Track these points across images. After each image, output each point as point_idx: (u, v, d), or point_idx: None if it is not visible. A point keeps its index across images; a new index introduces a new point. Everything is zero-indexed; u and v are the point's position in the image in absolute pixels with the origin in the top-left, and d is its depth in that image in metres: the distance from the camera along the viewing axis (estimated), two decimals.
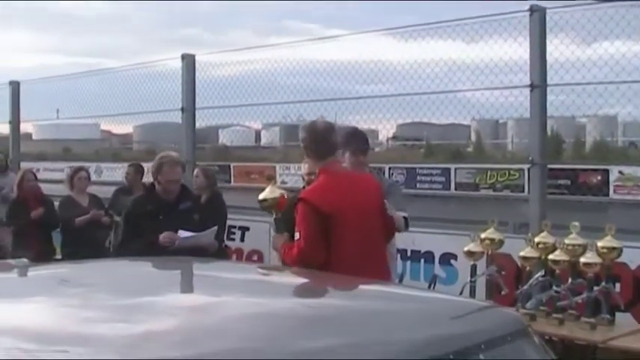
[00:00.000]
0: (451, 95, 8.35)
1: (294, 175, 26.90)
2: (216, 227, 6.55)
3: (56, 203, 9.37)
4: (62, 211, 9.14)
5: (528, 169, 7.50)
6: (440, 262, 7.60)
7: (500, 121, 40.98)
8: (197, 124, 10.36)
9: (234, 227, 9.30)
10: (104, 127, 35.60)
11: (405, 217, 6.00)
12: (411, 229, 6.30)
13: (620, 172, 27.83)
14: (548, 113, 7.34)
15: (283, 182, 28.58)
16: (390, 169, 30.05)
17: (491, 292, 5.96)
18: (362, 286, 3.62)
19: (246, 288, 3.33)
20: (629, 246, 5.95)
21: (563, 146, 32.87)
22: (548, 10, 7.02)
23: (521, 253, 5.96)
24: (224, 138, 38.36)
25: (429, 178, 32.72)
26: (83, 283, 3.31)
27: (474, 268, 6.10)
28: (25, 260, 4.61)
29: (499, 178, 30.72)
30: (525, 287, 5.78)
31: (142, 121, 18.62)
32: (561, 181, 26.02)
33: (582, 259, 5.62)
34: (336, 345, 2.43)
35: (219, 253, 6.95)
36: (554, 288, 5.69)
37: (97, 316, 2.70)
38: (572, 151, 34.21)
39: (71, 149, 47.22)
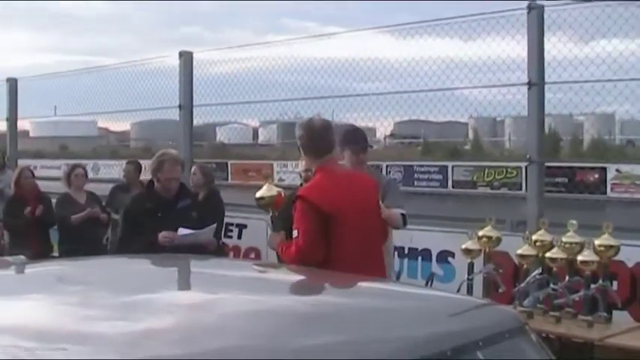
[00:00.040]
0: (449, 93, 8.36)
1: (291, 172, 26.90)
2: (215, 225, 6.55)
3: (54, 200, 9.36)
4: (59, 209, 9.13)
5: (526, 167, 7.51)
6: (437, 260, 7.59)
7: (498, 118, 41.03)
8: (194, 122, 10.36)
9: (232, 225, 9.30)
10: (102, 124, 35.72)
11: (402, 214, 6.00)
12: (408, 226, 6.31)
13: (618, 170, 27.86)
14: (546, 111, 7.34)
15: (281, 180, 28.63)
16: (387, 166, 30.09)
17: (488, 290, 5.97)
18: (360, 284, 3.62)
19: (245, 285, 3.33)
20: (627, 244, 5.95)
21: (561, 144, 32.88)
22: (545, 8, 7.02)
23: (519, 251, 5.97)
24: (221, 135, 38.35)
25: (426, 176, 32.75)
26: (81, 281, 3.31)
27: (471, 266, 6.11)
28: (22, 257, 4.62)
29: (497, 176, 30.75)
30: (523, 285, 5.79)
31: (139, 119, 18.61)
32: (559, 179, 26.04)
33: (580, 257, 5.63)
34: (334, 342, 2.43)
35: (217, 250, 6.95)
36: (552, 286, 5.69)
37: (95, 314, 2.70)
38: (569, 149, 34.24)
39: (68, 146, 47.23)
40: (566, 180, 26.78)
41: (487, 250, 6.11)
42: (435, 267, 7.55)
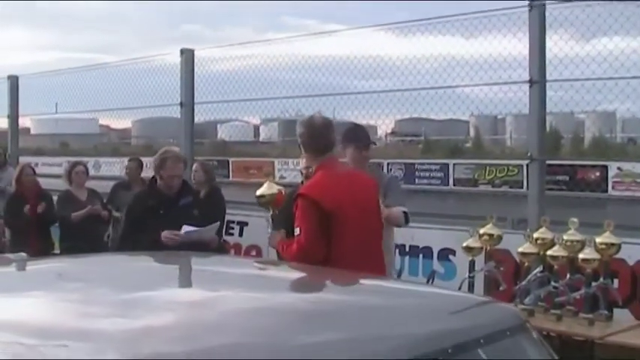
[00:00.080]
0: (450, 91, 8.34)
1: (292, 170, 26.92)
2: (218, 223, 6.56)
3: (55, 198, 9.36)
4: (60, 206, 9.13)
5: (527, 165, 7.51)
6: (438, 258, 7.60)
7: (499, 116, 41.08)
8: (196, 119, 10.36)
9: (233, 222, 9.31)
10: (103, 121, 35.67)
11: (405, 212, 6.00)
12: (409, 224, 6.30)
13: (619, 169, 27.85)
14: (547, 109, 7.34)
15: (282, 177, 28.63)
16: (388, 164, 30.06)
17: (489, 288, 5.96)
18: (361, 282, 3.62)
19: (246, 283, 3.33)
20: (628, 242, 5.96)
21: (562, 142, 32.83)
22: (547, 6, 7.01)
23: (520, 249, 5.97)
24: (223, 133, 38.41)
25: (427, 174, 32.75)
26: (82, 278, 3.31)
27: (472, 264, 6.10)
28: (23, 255, 4.63)
29: (498, 174, 30.75)
30: (524, 283, 5.79)
31: (140, 116, 18.66)
32: (560, 177, 26.03)
33: (581, 255, 5.63)
34: (336, 340, 2.43)
35: (219, 248, 6.96)
36: (553, 284, 5.69)
37: (96, 311, 2.70)
38: (570, 147, 34.19)
39: (69, 144, 47.24)
40: (567, 178, 26.77)
41: (488, 248, 6.10)
42: (436, 265, 7.55)
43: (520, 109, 7.88)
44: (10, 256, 4.89)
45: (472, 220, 7.03)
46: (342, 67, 9.17)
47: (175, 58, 10.21)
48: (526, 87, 7.12)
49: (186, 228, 6.11)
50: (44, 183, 9.92)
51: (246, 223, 9.29)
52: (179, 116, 10.23)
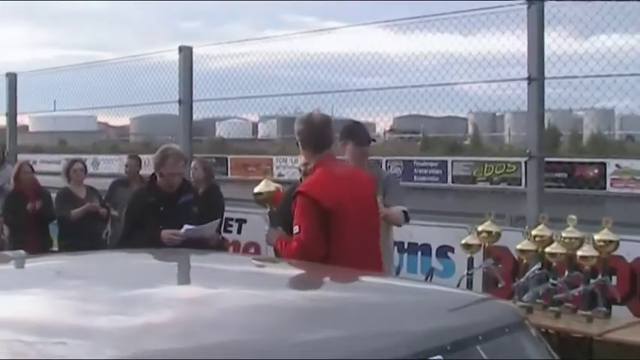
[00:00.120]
0: (448, 88, 8.35)
1: (291, 167, 26.91)
2: (218, 220, 6.56)
3: (53, 195, 9.35)
4: (59, 204, 9.13)
5: (525, 162, 7.51)
6: (437, 255, 7.60)
7: (498, 114, 41.08)
8: (194, 117, 10.36)
9: (231, 219, 9.30)
10: (101, 119, 35.70)
11: (404, 211, 6.00)
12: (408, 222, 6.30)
13: (617, 166, 27.85)
14: (546, 106, 7.34)
15: (280, 175, 28.65)
16: (387, 161, 30.04)
17: (488, 285, 5.97)
18: (360, 279, 3.62)
19: (244, 280, 3.33)
20: (626, 239, 5.96)
21: (561, 139, 32.84)
22: (545, 3, 7.01)
23: (518, 246, 5.97)
24: (221, 130, 38.38)
25: (426, 171, 32.74)
26: (80, 275, 3.31)
27: (470, 261, 6.11)
28: (22, 252, 4.62)
29: (496, 171, 30.74)
30: (522, 280, 5.79)
31: (139, 114, 18.63)
32: (558, 175, 26.02)
33: (579, 252, 5.64)
34: (334, 337, 2.44)
35: (218, 245, 6.96)
36: (551, 281, 5.70)
37: (94, 308, 2.70)
38: (569, 145, 34.21)
39: (68, 141, 47.18)
40: (565, 175, 26.76)
41: (487, 245, 6.11)
42: (435, 262, 7.55)
43: (519, 107, 7.88)
44: (9, 253, 4.89)
45: (471, 218, 7.03)
46: (341, 64, 9.18)
47: (174, 56, 10.21)
48: (524, 84, 7.12)
49: (186, 227, 6.11)
50: (43, 180, 9.91)
51: (245, 221, 9.28)
52: (177, 114, 10.23)
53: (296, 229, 4.78)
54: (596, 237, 5.64)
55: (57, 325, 2.52)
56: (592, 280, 5.62)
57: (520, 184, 23.62)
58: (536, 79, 7.02)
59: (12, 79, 12.94)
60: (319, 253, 4.63)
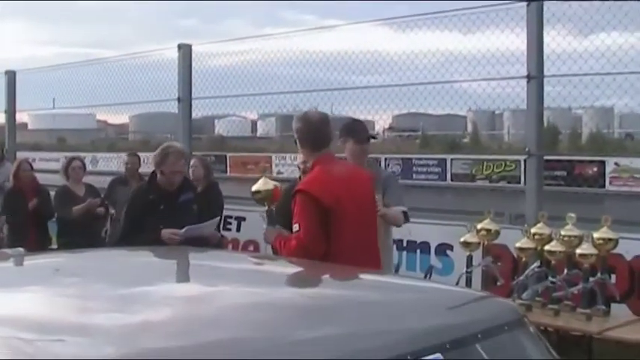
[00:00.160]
0: (447, 86, 8.36)
1: (290, 165, 26.89)
2: (218, 218, 6.55)
3: (52, 193, 9.35)
4: (58, 201, 9.12)
5: (524, 161, 7.52)
6: (436, 253, 7.60)
7: (497, 112, 41.07)
8: (193, 114, 10.37)
9: (231, 217, 9.30)
10: (100, 117, 35.66)
11: (404, 212, 5.98)
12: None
13: (616, 164, 27.83)
14: (545, 104, 7.35)
15: (279, 173, 28.61)
16: (386, 159, 30.05)
17: (487, 283, 5.98)
18: (359, 277, 3.62)
19: (243, 278, 3.33)
20: (625, 237, 5.96)
21: (560, 137, 32.83)
22: (545, 1, 7.01)
23: (517, 244, 5.98)
24: (220, 128, 38.29)
25: (425, 169, 32.71)
26: (80, 273, 3.31)
27: (469, 259, 6.12)
28: (21, 250, 4.62)
29: (495, 169, 30.72)
30: (521, 278, 5.80)
31: (138, 111, 18.62)
32: (557, 173, 25.99)
33: (578, 250, 5.65)
34: (333, 335, 2.44)
35: (217, 243, 6.96)
36: (550, 279, 5.71)
37: (93, 306, 2.70)
38: (568, 143, 34.18)
39: (67, 139, 47.19)
40: (564, 173, 26.73)
41: (486, 243, 6.12)
42: (434, 260, 7.55)
43: (518, 105, 7.89)
44: (8, 251, 4.89)
45: (470, 216, 7.03)
46: (340, 62, 9.18)
47: (173, 53, 10.21)
48: (524, 82, 7.13)
49: (187, 228, 6.11)
50: (42, 178, 9.91)
51: (244, 218, 9.28)
52: (177, 111, 10.23)
53: (296, 227, 4.77)
54: (596, 235, 5.65)
55: (56, 322, 2.52)
56: (591, 278, 5.63)
57: (519, 182, 23.57)
58: (536, 77, 7.02)
59: (11, 76, 12.94)
60: (319, 251, 4.63)
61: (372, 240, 5.08)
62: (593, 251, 5.61)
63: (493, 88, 7.80)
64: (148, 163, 9.19)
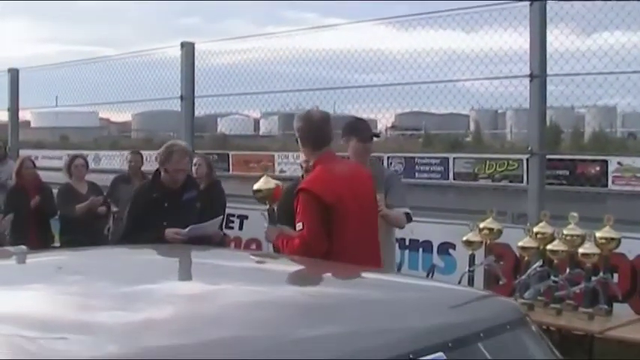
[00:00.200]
0: (450, 85, 8.35)
1: (292, 164, 26.92)
2: (221, 217, 6.56)
3: (55, 191, 9.35)
4: (61, 199, 9.12)
5: (527, 160, 7.51)
6: (438, 252, 7.60)
7: (500, 111, 41.04)
8: (196, 113, 10.37)
9: (233, 216, 9.30)
10: (103, 115, 35.72)
11: (407, 213, 5.96)
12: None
13: (619, 163, 27.81)
14: (548, 103, 7.34)
15: (282, 171, 28.64)
16: (388, 158, 30.05)
17: (489, 282, 5.97)
18: (361, 275, 3.62)
19: (246, 276, 3.33)
20: (628, 237, 5.96)
21: (562, 137, 32.81)
22: (548, 0, 7.01)
23: (520, 243, 5.97)
24: (223, 127, 38.35)
25: (427, 168, 32.71)
26: (82, 271, 3.31)
27: (472, 258, 6.11)
28: (23, 247, 4.63)
29: (498, 168, 30.71)
30: (523, 277, 5.79)
31: (140, 109, 18.64)
32: (560, 172, 25.99)
33: (581, 250, 5.64)
34: (335, 333, 2.44)
35: (220, 242, 6.97)
36: (553, 278, 5.70)
37: (95, 304, 2.71)
38: (570, 142, 34.16)
39: (69, 137, 47.24)
40: (567, 172, 26.72)
41: (488, 242, 6.11)
42: (436, 259, 7.55)
43: (520, 104, 7.88)
44: (10, 248, 4.89)
45: (472, 214, 7.03)
46: (343, 60, 9.18)
47: (176, 52, 10.22)
48: (526, 81, 7.12)
49: (190, 227, 6.11)
50: (44, 176, 9.91)
51: (247, 217, 9.28)
52: (179, 110, 10.24)
53: (299, 226, 4.77)
54: (598, 234, 5.64)
55: (58, 320, 2.52)
56: (593, 278, 5.62)
57: (522, 182, 23.59)
58: (539, 76, 7.01)
59: (14, 74, 12.95)
60: (321, 249, 4.63)
61: (374, 238, 5.09)
62: (596, 250, 5.61)
63: (496, 87, 7.80)
64: (150, 161, 9.20)
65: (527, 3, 7.03)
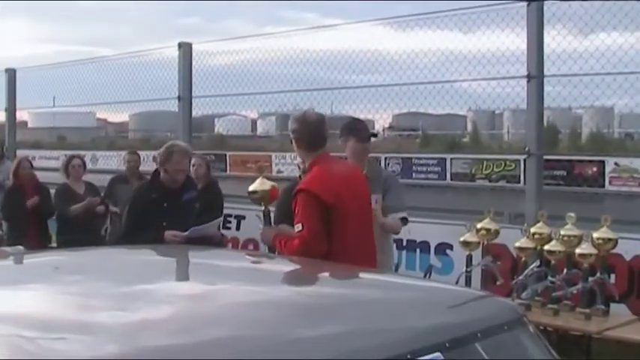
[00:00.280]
0: (447, 85, 8.36)
1: (290, 164, 26.89)
2: (221, 218, 6.56)
3: (52, 191, 9.35)
4: (58, 199, 9.12)
5: (524, 160, 7.51)
6: (435, 252, 7.60)
7: (497, 111, 41.09)
8: (193, 113, 10.36)
9: (230, 216, 9.30)
10: (100, 115, 35.71)
11: (403, 218, 5.93)
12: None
13: (616, 164, 27.81)
14: (545, 104, 7.35)
15: (279, 172, 28.63)
16: (386, 159, 30.05)
17: (486, 282, 5.98)
18: (359, 275, 3.62)
19: (244, 276, 3.33)
20: (625, 237, 5.97)
21: (560, 137, 32.85)
22: (545, 1, 7.02)
23: (517, 244, 5.98)
24: (220, 127, 38.31)
25: (425, 168, 32.70)
26: (80, 271, 3.31)
27: (469, 258, 6.12)
28: (20, 248, 4.63)
29: (495, 169, 30.70)
30: (521, 277, 5.80)
31: (138, 110, 18.62)
32: (557, 172, 26.00)
33: (578, 250, 5.65)
34: (333, 333, 2.44)
35: (219, 242, 6.98)
36: (550, 278, 5.71)
37: (93, 304, 2.70)
38: (568, 142, 34.20)
39: (67, 137, 47.20)
40: (564, 173, 26.74)
41: (485, 242, 6.12)
42: (434, 259, 7.55)
43: (518, 104, 7.89)
44: (8, 249, 4.89)
45: (469, 215, 7.03)
46: (340, 61, 9.19)
47: (173, 52, 10.21)
48: (524, 82, 7.13)
49: (192, 229, 6.11)
50: (42, 176, 9.91)
51: (244, 217, 9.28)
52: (177, 110, 10.23)
53: (298, 226, 4.75)
54: (595, 235, 5.65)
55: (56, 320, 2.52)
56: (591, 278, 5.64)
57: (519, 182, 23.56)
58: (536, 76, 7.02)
59: (11, 74, 12.94)
60: (322, 249, 4.62)
61: (370, 238, 5.09)
62: (593, 251, 5.62)
63: (493, 88, 7.81)
64: (148, 162, 9.19)
65: (525, 4, 7.04)
